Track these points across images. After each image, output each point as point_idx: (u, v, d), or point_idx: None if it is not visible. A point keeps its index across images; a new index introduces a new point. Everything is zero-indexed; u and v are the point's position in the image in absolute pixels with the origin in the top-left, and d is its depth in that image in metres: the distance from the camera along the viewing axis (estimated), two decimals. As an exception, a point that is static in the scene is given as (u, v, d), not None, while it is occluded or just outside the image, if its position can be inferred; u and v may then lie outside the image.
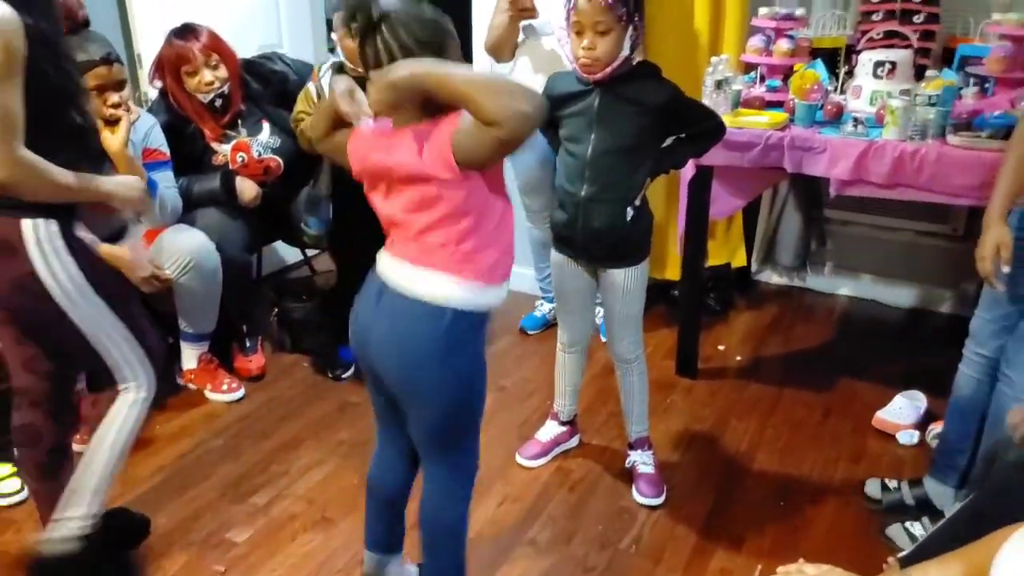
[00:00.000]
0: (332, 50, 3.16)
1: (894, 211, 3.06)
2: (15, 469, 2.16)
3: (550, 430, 2.33)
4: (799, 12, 2.74)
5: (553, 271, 2.12)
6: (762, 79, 2.71)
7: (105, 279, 1.69)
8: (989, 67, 2.41)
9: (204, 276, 2.47)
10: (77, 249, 1.61)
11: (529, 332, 3.08)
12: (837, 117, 2.39)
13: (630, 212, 1.91)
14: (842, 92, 2.57)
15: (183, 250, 2.43)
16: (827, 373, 2.76)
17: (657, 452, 2.23)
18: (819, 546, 1.97)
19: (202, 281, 2.47)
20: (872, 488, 2.10)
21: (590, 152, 1.89)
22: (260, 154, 2.68)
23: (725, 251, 3.26)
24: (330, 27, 3.02)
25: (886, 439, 2.40)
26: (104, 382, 1.78)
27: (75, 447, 2.31)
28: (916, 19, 2.60)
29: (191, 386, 2.67)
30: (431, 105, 1.29)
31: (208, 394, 2.64)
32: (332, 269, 2.88)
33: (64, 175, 1.53)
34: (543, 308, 3.10)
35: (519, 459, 2.29)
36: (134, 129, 2.32)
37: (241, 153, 2.65)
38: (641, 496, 2.13)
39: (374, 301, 1.43)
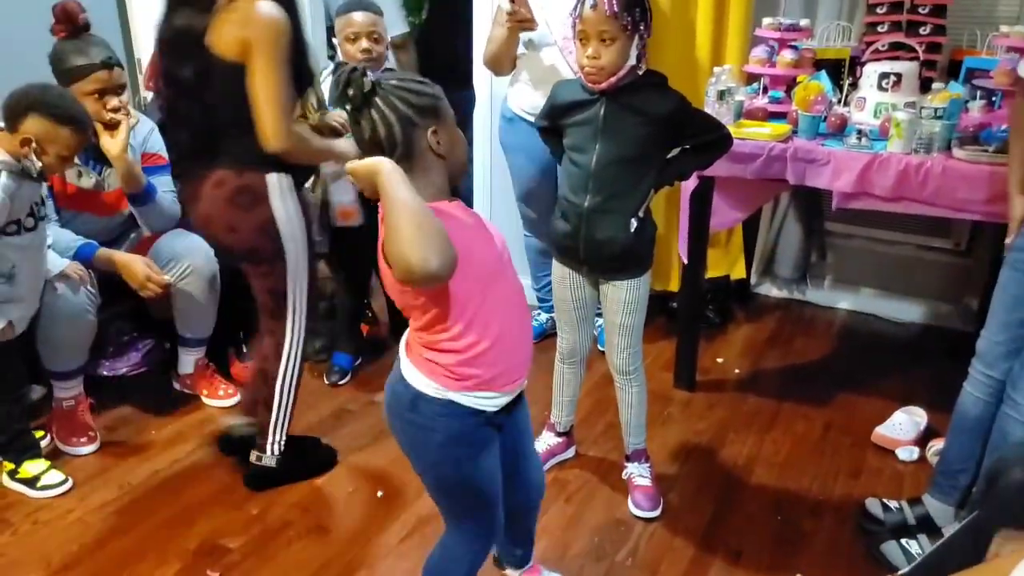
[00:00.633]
0: (332, 57, 3.15)
1: (896, 225, 3.05)
2: (49, 463, 2.20)
3: (546, 441, 2.31)
4: (803, 23, 2.73)
5: (554, 282, 2.11)
6: (765, 90, 2.70)
7: (310, 231, 2.06)
8: (996, 80, 2.39)
9: (202, 281, 2.45)
10: (300, 200, 2.00)
11: (527, 342, 3.06)
12: (841, 129, 2.38)
13: (634, 223, 1.89)
14: (846, 104, 2.56)
15: (181, 255, 2.42)
16: (826, 387, 2.74)
17: (654, 464, 2.22)
18: (817, 561, 1.96)
19: (200, 286, 2.46)
20: (873, 508, 2.07)
21: (594, 162, 1.87)
22: None
23: (724, 263, 3.25)
24: (331, 33, 3.02)
25: (885, 455, 2.38)
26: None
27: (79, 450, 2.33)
28: (922, 31, 2.58)
29: (187, 391, 2.66)
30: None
31: (204, 400, 2.63)
32: (329, 276, 2.87)
33: (319, 141, 2.07)
34: (540, 318, 3.08)
35: (516, 469, 2.28)
36: (133, 133, 2.31)
37: None
38: (638, 508, 2.11)
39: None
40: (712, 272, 3.14)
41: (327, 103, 2.50)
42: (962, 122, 2.26)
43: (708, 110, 2.44)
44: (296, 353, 2.12)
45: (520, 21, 2.39)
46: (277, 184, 1.94)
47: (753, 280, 3.47)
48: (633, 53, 1.80)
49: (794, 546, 2.01)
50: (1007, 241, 1.83)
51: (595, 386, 2.67)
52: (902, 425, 2.41)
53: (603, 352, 2.63)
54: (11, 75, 2.11)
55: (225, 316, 2.61)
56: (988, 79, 2.42)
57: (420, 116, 1.28)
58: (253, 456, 2.18)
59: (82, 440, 2.34)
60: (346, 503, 2.16)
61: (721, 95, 2.47)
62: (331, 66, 2.57)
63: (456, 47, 3.63)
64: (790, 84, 2.64)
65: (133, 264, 2.30)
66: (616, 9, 1.73)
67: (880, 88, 2.44)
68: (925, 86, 2.46)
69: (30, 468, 2.17)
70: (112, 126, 2.23)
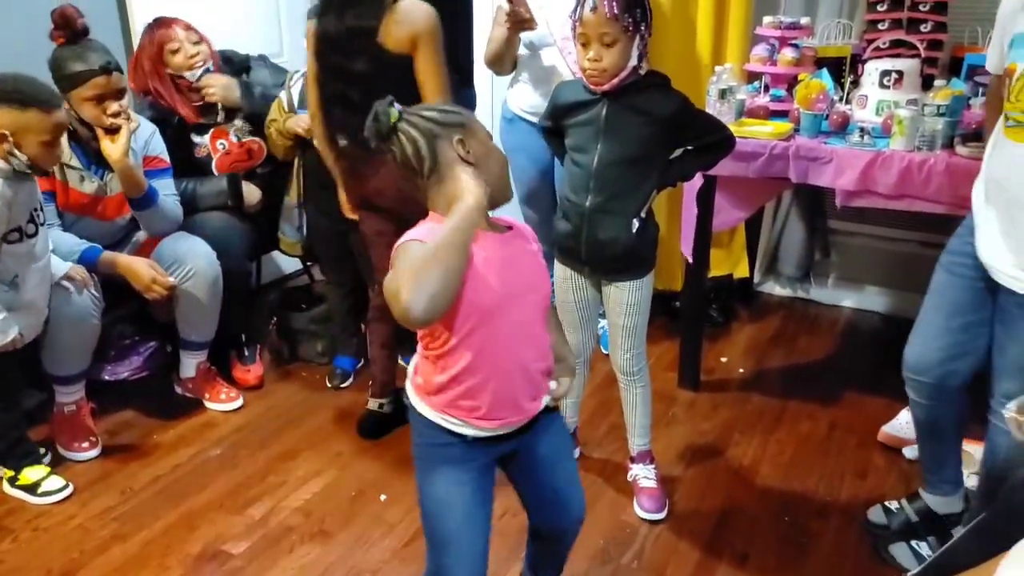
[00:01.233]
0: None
1: (899, 222, 3.03)
2: (49, 469, 2.20)
3: (551, 443, 2.30)
4: (804, 21, 2.72)
5: (556, 284, 2.09)
6: (766, 88, 2.69)
7: None
8: (998, 77, 2.38)
9: (205, 284, 2.45)
10: None
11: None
12: (843, 127, 2.37)
13: (636, 224, 1.88)
14: (848, 102, 2.55)
15: (184, 258, 2.42)
16: (832, 386, 2.73)
17: (659, 466, 2.20)
18: (824, 563, 1.95)
19: (203, 289, 2.45)
20: (876, 515, 2.06)
21: (596, 162, 1.86)
22: (240, 138, 2.68)
23: (727, 262, 3.24)
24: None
25: (892, 454, 2.37)
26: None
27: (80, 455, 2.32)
28: (923, 28, 2.57)
29: (189, 395, 2.65)
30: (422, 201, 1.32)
31: (206, 403, 2.62)
32: (322, 280, 2.88)
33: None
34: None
35: (519, 472, 2.26)
36: (134, 137, 2.31)
37: (221, 140, 2.66)
38: (643, 511, 2.10)
39: None
40: (715, 271, 3.13)
41: (296, 106, 2.53)
42: (964, 119, 2.25)
43: (710, 109, 2.44)
44: None
45: (519, 21, 2.38)
46: None
47: (756, 279, 3.45)
48: (634, 54, 1.79)
49: (801, 548, 2.00)
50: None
51: (599, 387, 2.66)
52: (908, 424, 2.38)
53: (607, 354, 2.63)
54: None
55: (227, 319, 2.61)
56: (990, 76, 2.41)
57: (443, 128, 1.28)
58: (375, 404, 2.44)
59: (84, 445, 2.33)
60: (349, 507, 2.15)
61: (722, 94, 2.46)
62: (302, 70, 2.56)
63: (456, 46, 3.63)
64: (791, 82, 2.63)
65: (138, 267, 2.30)
66: (616, 11, 1.72)
67: (882, 86, 2.43)
68: (927, 83, 2.45)
69: (30, 474, 2.17)
70: (113, 131, 2.23)
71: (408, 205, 2.06)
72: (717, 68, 2.56)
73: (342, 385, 2.76)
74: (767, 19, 2.72)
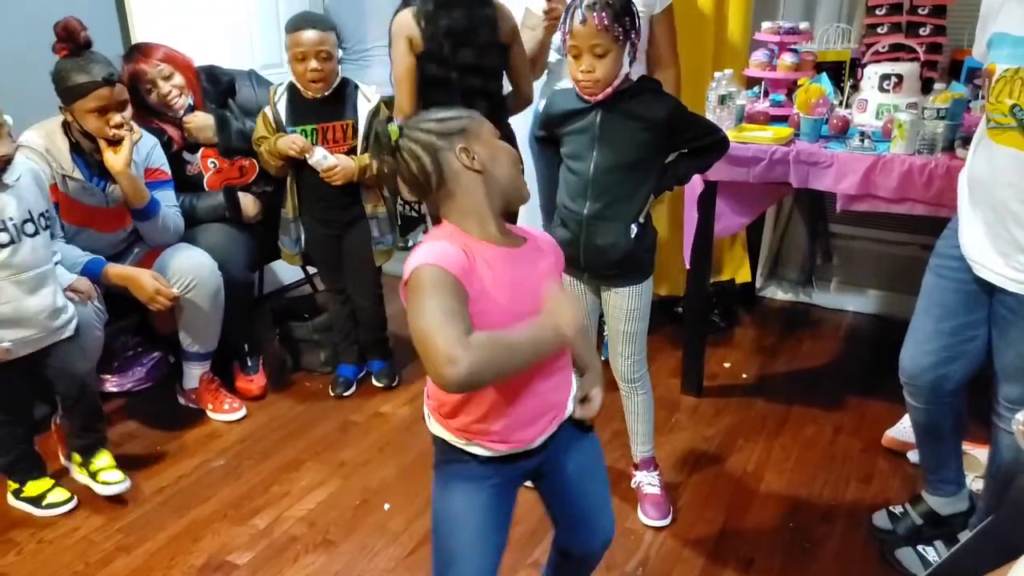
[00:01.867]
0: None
1: (901, 225, 3.03)
2: (52, 482, 2.19)
3: (554, 450, 2.29)
4: (803, 26, 2.72)
5: (556, 290, 2.09)
6: (766, 94, 2.69)
7: None
8: (997, 80, 2.38)
9: (207, 295, 2.45)
10: None
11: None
12: (843, 131, 2.37)
13: (634, 229, 1.88)
14: (847, 106, 2.55)
15: (186, 269, 2.42)
16: (835, 391, 2.73)
17: (663, 472, 2.20)
18: (829, 568, 1.94)
19: (205, 300, 2.45)
20: (881, 520, 2.06)
21: (592, 169, 1.87)
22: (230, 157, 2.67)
23: (730, 267, 3.24)
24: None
25: (896, 458, 2.36)
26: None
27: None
28: (922, 31, 2.57)
29: (192, 406, 2.66)
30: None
31: (209, 414, 2.62)
32: (321, 289, 2.88)
33: None
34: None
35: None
36: (136, 149, 2.32)
37: (212, 159, 2.65)
38: (647, 517, 2.10)
39: None
40: (717, 276, 3.13)
41: (284, 123, 2.50)
42: (965, 122, 2.24)
43: (709, 115, 2.44)
44: None
45: (556, 19, 2.34)
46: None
47: (758, 284, 3.45)
48: (626, 61, 1.79)
49: (806, 553, 1.99)
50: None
51: (601, 394, 2.65)
52: (912, 428, 2.38)
53: (605, 361, 2.62)
54: (19, 94, 2.12)
55: (229, 330, 2.61)
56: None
57: (443, 138, 1.24)
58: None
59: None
60: (353, 516, 2.15)
61: (722, 100, 2.46)
62: (284, 83, 2.55)
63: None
64: (791, 87, 2.63)
65: (141, 278, 2.30)
66: (607, 22, 1.72)
67: (881, 89, 2.43)
68: (926, 87, 2.45)
69: (35, 487, 2.17)
70: (115, 142, 2.23)
71: None
72: (716, 74, 2.56)
73: (345, 394, 2.76)
74: (766, 24, 2.72)
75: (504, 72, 2.51)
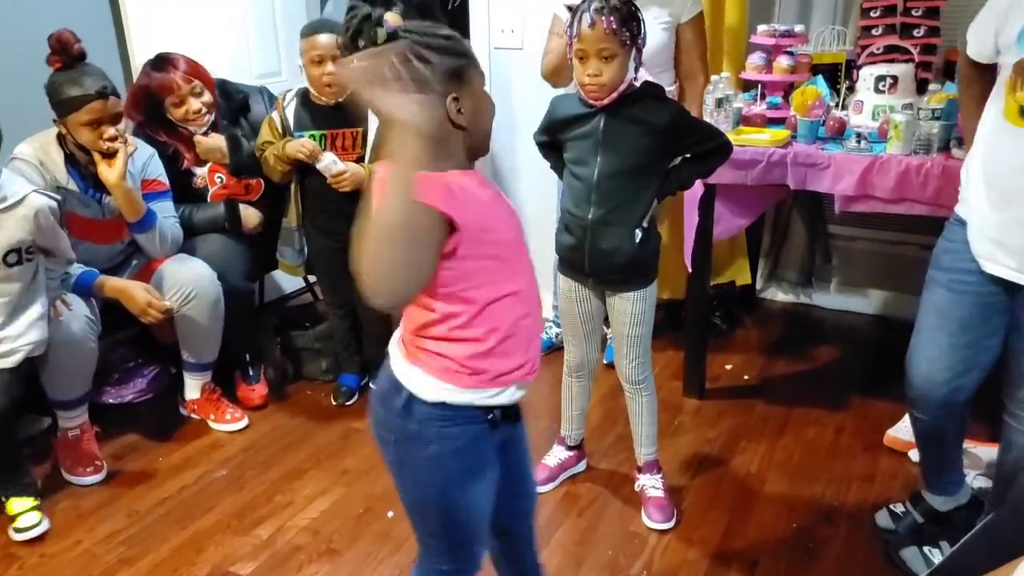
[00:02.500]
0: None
1: (899, 226, 3.04)
2: (34, 503, 2.15)
3: (557, 455, 2.30)
4: (798, 28, 2.73)
5: (560, 296, 2.10)
6: (762, 96, 2.70)
7: None
8: (992, 79, 2.39)
9: (206, 306, 2.45)
10: None
11: (534, 355, 3.05)
12: (840, 133, 2.38)
13: (639, 234, 1.89)
14: (844, 108, 2.56)
15: (185, 280, 2.42)
16: (837, 391, 2.73)
17: (666, 475, 2.20)
18: (834, 568, 1.94)
19: (204, 311, 2.45)
20: (883, 520, 2.06)
21: (596, 175, 1.87)
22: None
23: (729, 269, 3.24)
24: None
25: (899, 457, 2.36)
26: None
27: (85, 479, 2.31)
28: (916, 33, 2.58)
29: (194, 416, 2.65)
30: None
31: (211, 424, 2.61)
32: (321, 299, 2.88)
33: None
34: (550, 331, 3.07)
35: (526, 485, 2.26)
36: (132, 160, 2.32)
37: (219, 174, 2.65)
38: (651, 520, 2.10)
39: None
40: (717, 279, 3.13)
41: (292, 128, 2.50)
42: (960, 122, 2.25)
43: (707, 118, 2.45)
44: None
45: None
46: None
47: (759, 285, 3.46)
48: (631, 66, 1.80)
49: (810, 554, 1.99)
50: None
51: (604, 397, 2.66)
52: (914, 427, 2.39)
53: (607, 365, 2.63)
54: (14, 107, 2.13)
55: (230, 339, 2.61)
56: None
57: (440, 83, 1.12)
58: None
59: (88, 470, 2.32)
60: (356, 524, 2.15)
61: (719, 103, 2.47)
62: (295, 89, 2.56)
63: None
64: (787, 90, 2.64)
65: (133, 291, 2.30)
66: (615, 26, 1.73)
67: (877, 91, 2.44)
68: (922, 87, 2.47)
69: (16, 505, 2.12)
70: (109, 155, 2.23)
71: None
72: (713, 77, 2.57)
73: (347, 403, 2.76)
74: (762, 27, 2.73)
75: None
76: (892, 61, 2.52)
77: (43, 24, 2.18)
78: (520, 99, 2.98)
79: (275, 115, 2.53)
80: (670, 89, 2.49)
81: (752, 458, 2.39)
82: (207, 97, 2.54)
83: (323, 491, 2.29)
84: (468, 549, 1.37)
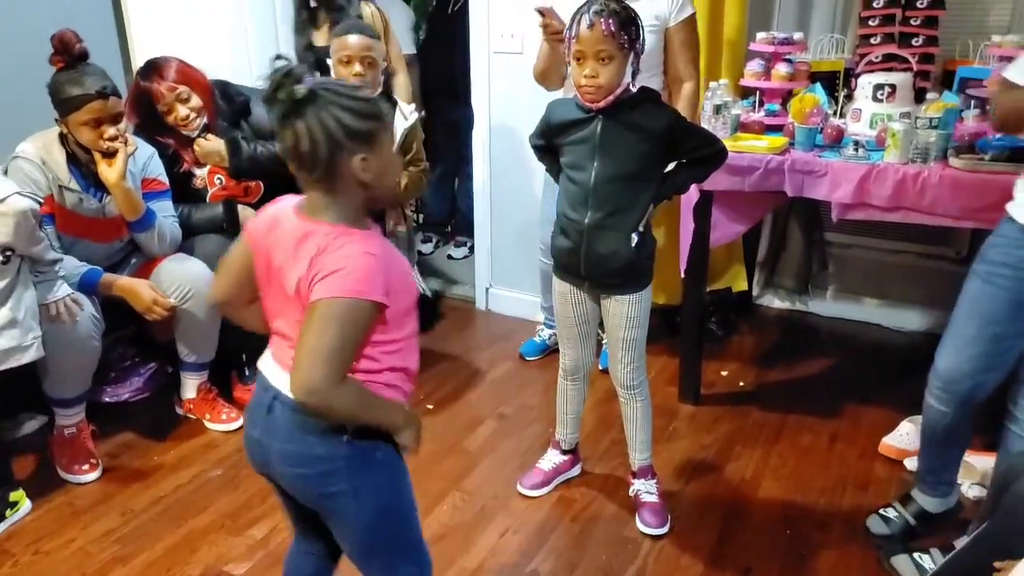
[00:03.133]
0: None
1: (896, 234, 3.05)
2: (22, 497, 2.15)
3: (552, 459, 2.30)
4: (797, 36, 2.74)
5: (555, 299, 2.10)
6: (761, 103, 2.71)
7: None
8: (990, 89, 2.39)
9: (204, 305, 2.45)
10: None
11: (528, 359, 3.06)
12: (837, 141, 2.39)
13: (635, 238, 1.89)
14: (842, 116, 2.57)
15: (183, 279, 2.42)
16: (832, 399, 2.73)
17: (661, 480, 2.20)
18: (827, 575, 1.94)
19: (202, 310, 2.45)
20: (875, 525, 2.06)
21: (593, 179, 1.88)
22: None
23: (726, 276, 3.25)
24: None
25: (893, 465, 2.36)
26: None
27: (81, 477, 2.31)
28: (915, 42, 2.60)
29: (190, 416, 2.65)
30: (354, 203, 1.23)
31: (207, 424, 2.62)
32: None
33: None
34: (543, 334, 3.08)
35: (520, 489, 2.26)
36: (132, 160, 2.32)
37: (219, 175, 2.65)
38: (645, 526, 2.10)
39: (266, 412, 1.28)
40: (714, 285, 3.14)
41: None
42: (957, 131, 2.26)
43: (704, 124, 2.45)
44: None
45: (554, 33, 2.37)
46: None
47: (755, 292, 3.47)
48: (628, 71, 1.81)
49: (804, 561, 1.99)
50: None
51: (599, 402, 2.66)
52: (909, 435, 2.39)
53: (603, 371, 2.63)
54: (17, 106, 2.13)
55: (227, 339, 2.61)
56: (982, 88, 2.43)
57: (351, 140, 1.17)
58: None
59: (84, 467, 2.33)
60: (351, 526, 2.15)
61: (717, 109, 2.48)
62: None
63: (453, 66, 3.67)
64: (786, 97, 2.65)
65: (138, 288, 2.31)
66: (613, 29, 1.74)
67: (875, 99, 2.45)
68: (919, 96, 2.48)
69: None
70: (110, 154, 2.24)
71: None
72: (712, 84, 2.58)
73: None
74: (760, 35, 2.74)
75: None
76: (890, 70, 2.53)
77: (45, 24, 2.19)
78: (519, 103, 2.99)
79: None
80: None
81: (747, 464, 2.39)
82: (195, 102, 2.54)
83: (318, 492, 2.29)
84: (422, 544, 1.43)
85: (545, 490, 2.26)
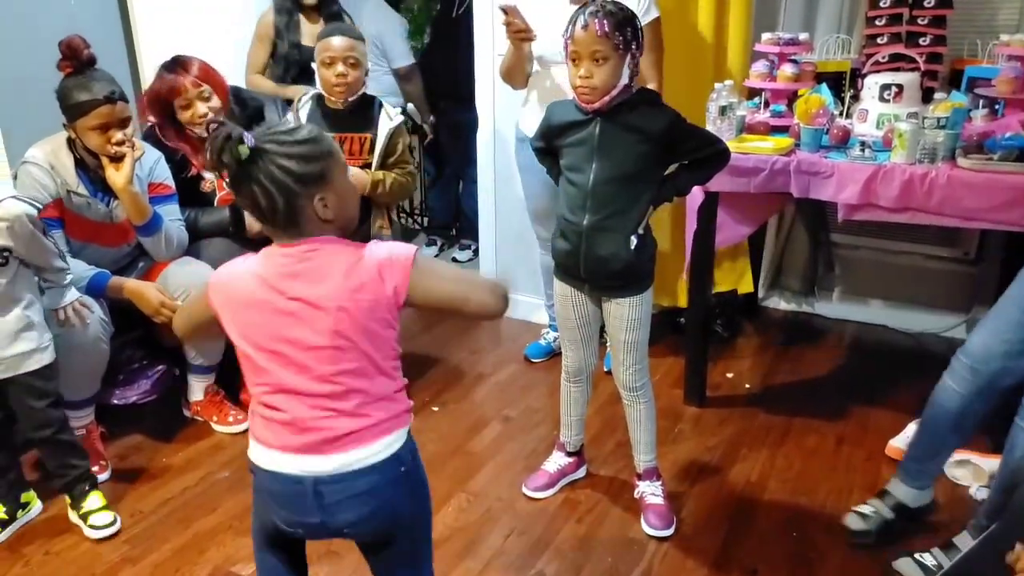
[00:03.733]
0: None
1: (903, 235, 3.04)
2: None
3: (557, 461, 2.30)
4: (803, 36, 2.74)
5: (556, 300, 2.11)
6: (766, 104, 2.70)
7: None
8: (999, 88, 2.39)
9: (210, 307, 2.46)
10: None
11: (533, 360, 3.06)
12: (844, 141, 2.38)
13: (634, 240, 1.89)
14: (848, 116, 2.56)
15: (189, 282, 2.43)
16: (839, 401, 2.72)
17: (666, 482, 2.20)
18: (833, 579, 1.94)
19: (208, 312, 2.46)
20: (854, 523, 2.05)
21: (592, 181, 1.88)
22: None
23: (731, 277, 3.24)
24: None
25: (900, 467, 2.36)
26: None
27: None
28: (922, 41, 2.59)
29: (198, 418, 2.67)
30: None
31: (214, 426, 2.63)
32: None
33: None
34: (548, 336, 3.08)
35: (526, 490, 2.26)
36: (140, 164, 2.34)
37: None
38: (650, 528, 2.10)
39: (314, 499, 1.25)
40: (719, 286, 3.13)
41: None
42: (965, 131, 2.25)
43: (710, 126, 2.45)
44: None
45: (516, 32, 2.38)
46: None
47: (761, 294, 3.46)
48: (626, 72, 1.81)
49: (810, 564, 1.99)
50: None
51: (604, 404, 2.66)
52: (916, 437, 2.38)
53: (607, 373, 2.63)
54: (26, 111, 2.14)
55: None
56: (990, 88, 2.42)
57: (305, 186, 1.19)
58: None
59: (93, 469, 2.33)
60: (357, 528, 2.15)
61: (723, 111, 2.48)
62: (310, 92, 2.59)
63: (458, 69, 3.67)
64: (791, 98, 2.64)
65: (146, 291, 2.32)
66: (607, 29, 1.74)
67: (882, 99, 2.44)
68: (927, 96, 2.46)
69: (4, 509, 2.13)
70: (117, 159, 2.25)
71: None
72: (717, 85, 2.57)
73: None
74: (766, 35, 2.73)
75: None
76: (897, 70, 2.52)
77: (54, 30, 2.20)
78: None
79: (290, 116, 2.58)
80: None
81: (752, 466, 2.39)
82: (215, 103, 2.56)
83: (324, 494, 2.30)
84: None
85: (550, 492, 2.27)
